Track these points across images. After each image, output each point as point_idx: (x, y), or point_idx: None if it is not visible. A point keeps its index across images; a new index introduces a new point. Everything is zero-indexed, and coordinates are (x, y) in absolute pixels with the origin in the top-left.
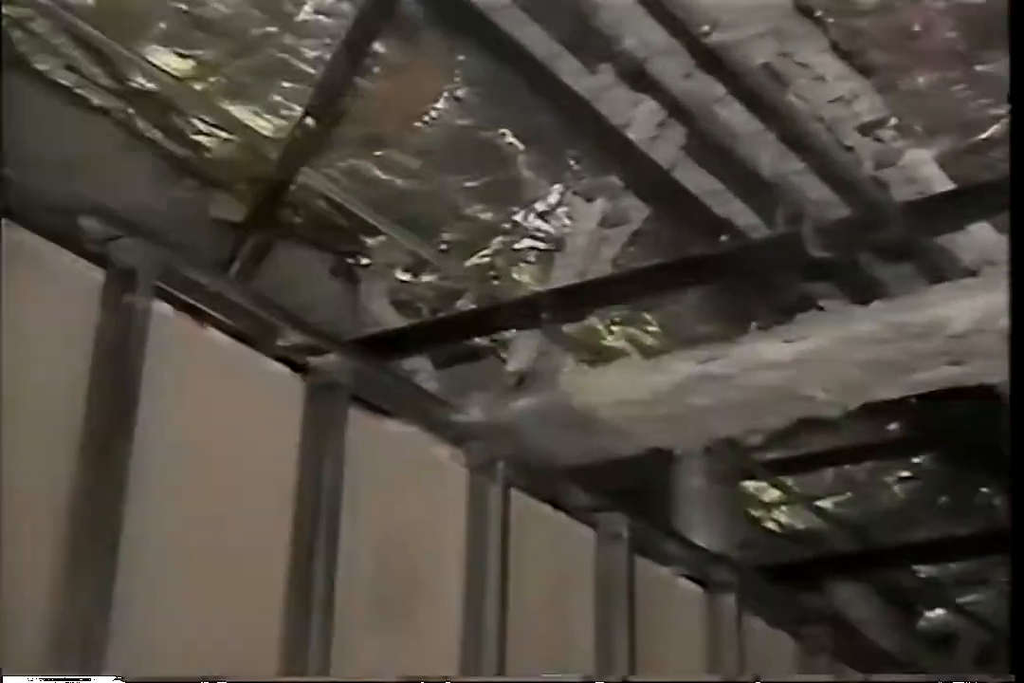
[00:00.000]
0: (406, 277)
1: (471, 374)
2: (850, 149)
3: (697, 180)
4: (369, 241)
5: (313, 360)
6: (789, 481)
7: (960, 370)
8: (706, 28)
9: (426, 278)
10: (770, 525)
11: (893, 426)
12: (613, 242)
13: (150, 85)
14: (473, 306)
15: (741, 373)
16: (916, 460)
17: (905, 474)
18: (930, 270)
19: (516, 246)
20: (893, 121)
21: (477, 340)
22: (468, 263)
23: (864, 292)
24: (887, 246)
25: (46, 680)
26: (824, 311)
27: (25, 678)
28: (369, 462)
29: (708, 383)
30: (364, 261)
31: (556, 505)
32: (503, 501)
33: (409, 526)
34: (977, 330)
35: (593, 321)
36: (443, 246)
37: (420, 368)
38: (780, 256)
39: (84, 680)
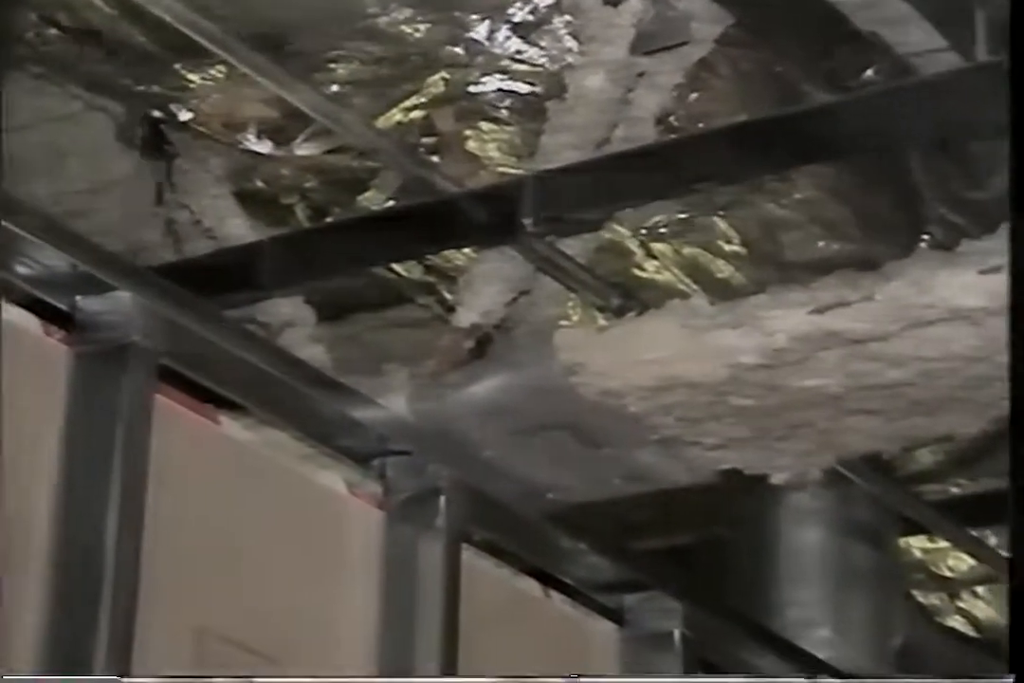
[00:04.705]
0: (263, 147)
1: (389, 332)
2: None
3: None
4: (193, 77)
5: (85, 304)
6: (992, 539)
7: None
8: None
9: (303, 149)
10: (956, 622)
11: None
12: (659, 82)
13: None
14: (391, 204)
15: (899, 331)
16: None
17: None
18: None
19: (473, 89)
20: None
21: (400, 269)
22: (382, 121)
23: None
24: None
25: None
26: None
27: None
28: (194, 497)
29: (834, 349)
30: (183, 116)
31: (548, 580)
32: (448, 570)
33: (270, 623)
34: None
35: (620, 233)
36: (335, 88)
37: (294, 320)
38: (975, 107)
39: (84, 679)
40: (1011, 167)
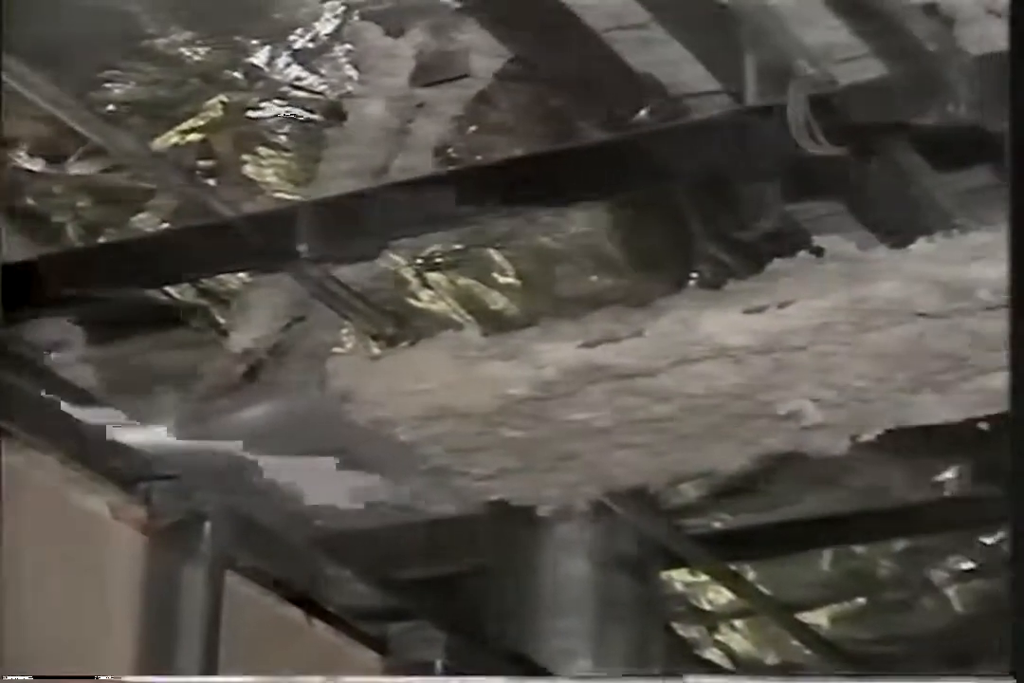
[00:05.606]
0: (35, 165)
1: (160, 355)
2: None
3: (602, 1)
4: None
5: None
6: (751, 573)
7: None
8: None
9: (76, 168)
10: (714, 654)
11: (948, 475)
12: (439, 113)
13: None
14: (167, 227)
15: (667, 367)
16: (988, 540)
17: (969, 565)
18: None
19: (253, 114)
20: None
21: (173, 292)
22: (159, 142)
23: (897, 223)
24: (944, 135)
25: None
26: (823, 256)
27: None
28: None
29: (603, 383)
30: None
31: (312, 608)
32: (211, 597)
33: (29, 647)
34: None
35: (396, 262)
36: (110, 107)
37: (61, 340)
38: (745, 150)
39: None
40: (1011, 169)
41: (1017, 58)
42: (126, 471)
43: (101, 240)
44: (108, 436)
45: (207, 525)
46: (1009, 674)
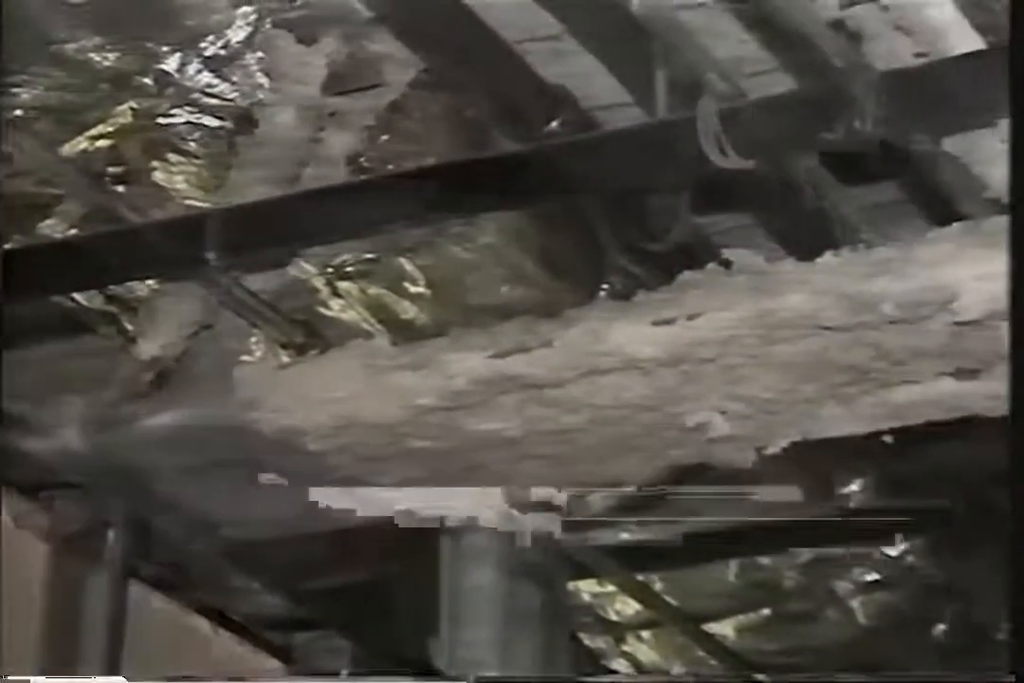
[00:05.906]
0: None
1: (67, 362)
2: None
3: (515, 12)
4: None
5: None
6: (658, 584)
7: (969, 386)
8: None
9: None
10: (619, 665)
11: (853, 487)
12: (351, 121)
13: None
14: (74, 232)
15: (576, 377)
16: (892, 551)
17: (873, 577)
18: (927, 200)
19: (163, 121)
20: None
21: (80, 298)
22: (68, 148)
23: (804, 237)
24: (851, 151)
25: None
26: (731, 269)
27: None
28: None
29: (512, 394)
30: None
31: (217, 617)
32: (114, 606)
33: None
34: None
35: (306, 271)
36: (18, 113)
37: None
38: (655, 162)
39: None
40: (1011, 166)
41: (1017, 58)
42: (29, 479)
43: (7, 246)
44: (9, 443)
45: (111, 533)
46: (1009, 674)
